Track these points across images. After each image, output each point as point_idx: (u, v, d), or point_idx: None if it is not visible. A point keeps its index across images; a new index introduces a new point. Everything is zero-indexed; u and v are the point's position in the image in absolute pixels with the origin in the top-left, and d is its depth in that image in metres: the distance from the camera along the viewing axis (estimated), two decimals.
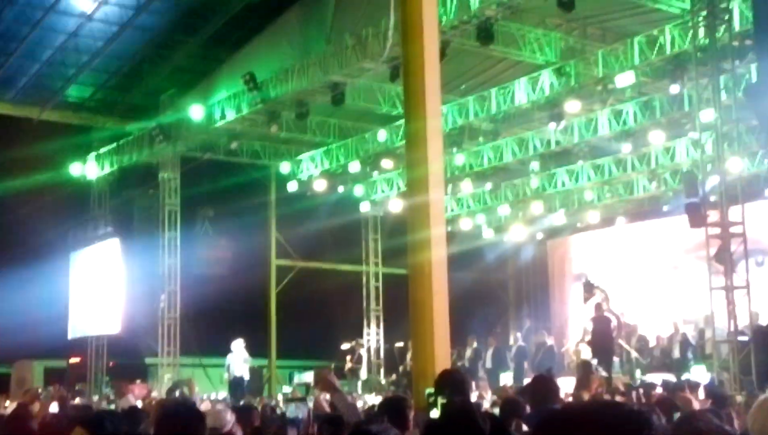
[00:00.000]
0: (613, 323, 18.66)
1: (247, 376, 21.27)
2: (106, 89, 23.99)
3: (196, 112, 21.71)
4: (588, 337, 19.86)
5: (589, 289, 20.13)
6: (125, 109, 24.51)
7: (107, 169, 25.18)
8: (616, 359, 19.74)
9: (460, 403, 4.97)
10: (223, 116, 21.41)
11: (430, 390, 6.67)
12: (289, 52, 20.01)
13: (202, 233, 25.04)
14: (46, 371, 24.46)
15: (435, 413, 5.20)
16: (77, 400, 18.34)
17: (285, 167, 25.46)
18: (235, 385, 20.78)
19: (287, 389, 20.78)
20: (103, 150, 25.13)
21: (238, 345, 21.22)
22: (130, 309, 23.95)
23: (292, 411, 6.58)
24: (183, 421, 4.23)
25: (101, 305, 24.69)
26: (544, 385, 6.70)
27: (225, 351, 22.51)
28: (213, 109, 21.67)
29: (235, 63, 21.44)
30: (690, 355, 19.59)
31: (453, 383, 6.19)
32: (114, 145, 24.75)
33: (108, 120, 24.92)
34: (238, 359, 21.10)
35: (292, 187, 25.28)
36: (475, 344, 22.50)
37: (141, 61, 22.49)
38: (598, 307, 18.93)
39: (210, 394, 20.08)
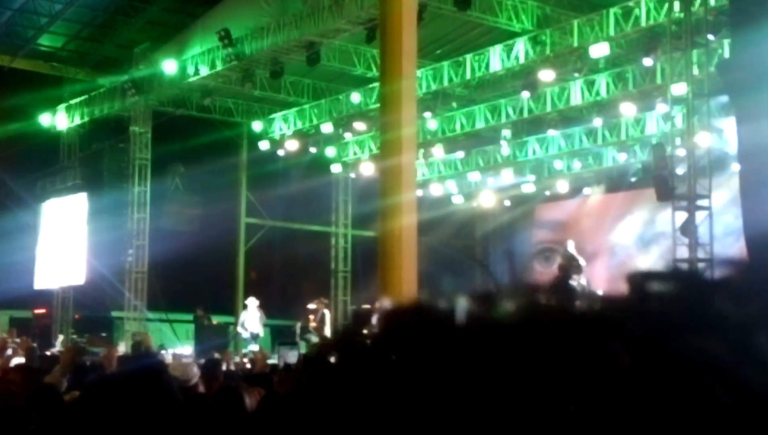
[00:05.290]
0: (576, 292, 19.01)
1: (261, 333, 21.59)
2: (79, 40, 23.72)
3: (169, 66, 21.56)
4: None
5: (568, 259, 20.30)
6: (97, 61, 24.27)
7: (77, 121, 24.97)
8: None
9: None
10: (196, 72, 21.28)
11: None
12: (265, 10, 19.88)
13: (172, 189, 24.94)
14: (11, 321, 24.36)
15: None
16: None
17: (257, 126, 25.38)
18: (251, 341, 21.08)
19: (254, 347, 20.89)
20: (73, 101, 24.89)
21: (253, 303, 21.54)
22: (97, 262, 23.87)
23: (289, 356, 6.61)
24: (145, 371, 4.32)
25: (68, 257, 24.61)
26: None
27: (191, 306, 22.59)
28: (186, 65, 21.52)
29: (210, 19, 21.26)
30: None
31: None
32: (85, 96, 24.53)
33: (80, 71, 24.68)
34: (253, 316, 21.42)
35: (264, 145, 25.22)
36: None
37: (115, 13, 22.23)
38: (563, 269, 19.19)
39: (176, 349, 20.15)
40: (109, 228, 24.12)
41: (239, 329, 21.66)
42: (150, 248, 24.00)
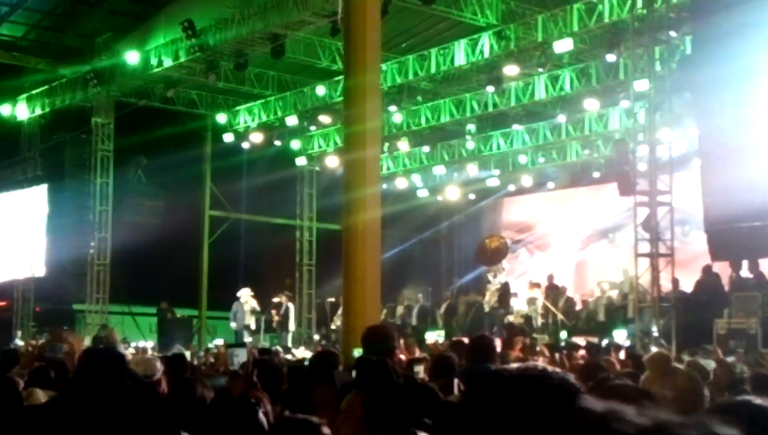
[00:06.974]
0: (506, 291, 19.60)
1: (253, 326, 21.44)
2: (40, 29, 23.39)
3: (132, 57, 21.33)
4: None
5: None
6: (59, 51, 23.95)
7: (38, 112, 24.65)
8: (542, 321, 20.39)
9: (374, 360, 5.05)
10: (160, 63, 21.07)
11: (360, 351, 6.75)
12: (229, 1, 19.73)
13: (135, 181, 24.73)
14: None
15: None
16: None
17: (222, 118, 25.23)
18: (241, 334, 20.88)
19: (219, 341, 20.75)
20: (34, 91, 24.56)
21: (246, 293, 21.43)
22: (58, 254, 23.62)
23: (235, 359, 6.53)
24: (103, 363, 4.32)
25: (29, 249, 24.31)
26: (485, 344, 6.89)
27: (155, 299, 22.42)
28: (149, 55, 21.30)
29: (173, 9, 21.06)
30: (613, 318, 20.05)
31: (378, 339, 6.31)
32: (46, 87, 24.21)
33: (41, 61, 24.34)
34: (246, 308, 21.26)
35: (228, 138, 25.08)
36: (406, 302, 22.71)
37: (76, 2, 21.95)
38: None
39: (138, 342, 20.01)
40: (70, 220, 23.88)
41: (232, 323, 21.58)
42: (112, 240, 23.82)
